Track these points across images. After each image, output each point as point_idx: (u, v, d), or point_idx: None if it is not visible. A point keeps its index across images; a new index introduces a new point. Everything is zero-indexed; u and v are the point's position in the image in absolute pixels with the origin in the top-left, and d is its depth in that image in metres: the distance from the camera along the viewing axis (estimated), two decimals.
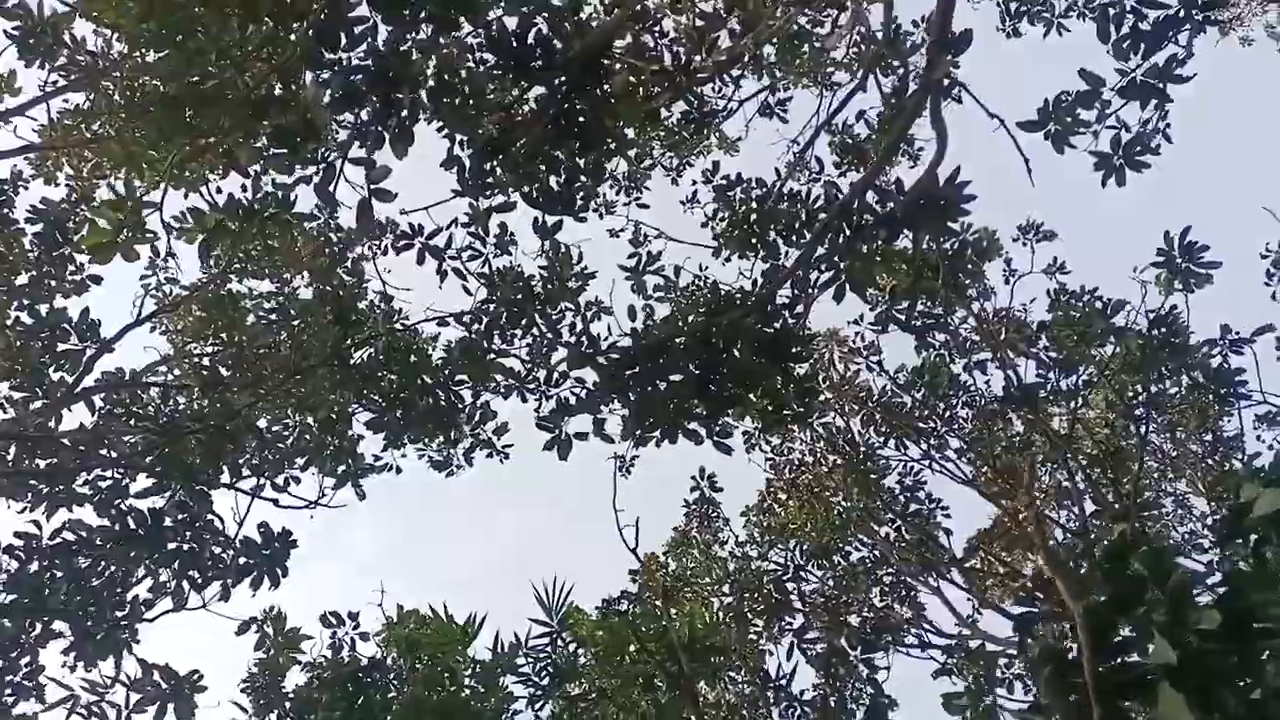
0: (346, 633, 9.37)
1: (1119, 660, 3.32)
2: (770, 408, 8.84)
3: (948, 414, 12.64)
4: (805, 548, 11.26)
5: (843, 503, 12.47)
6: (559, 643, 9.28)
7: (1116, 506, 10.88)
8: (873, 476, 12.40)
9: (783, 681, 9.59)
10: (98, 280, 10.83)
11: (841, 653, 9.93)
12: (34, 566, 9.19)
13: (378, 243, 12.14)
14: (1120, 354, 11.13)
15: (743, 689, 10.05)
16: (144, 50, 7.57)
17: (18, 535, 9.02)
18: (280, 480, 10.21)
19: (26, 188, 10.29)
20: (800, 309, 8.31)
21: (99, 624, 8.90)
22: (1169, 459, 13.16)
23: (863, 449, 12.80)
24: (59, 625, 9.12)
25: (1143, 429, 10.94)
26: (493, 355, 9.07)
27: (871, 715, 9.99)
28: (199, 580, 9.50)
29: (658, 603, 10.33)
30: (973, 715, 3.66)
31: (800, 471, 13.21)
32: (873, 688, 9.82)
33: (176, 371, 12.12)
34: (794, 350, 8.12)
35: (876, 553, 12.37)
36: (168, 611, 9.35)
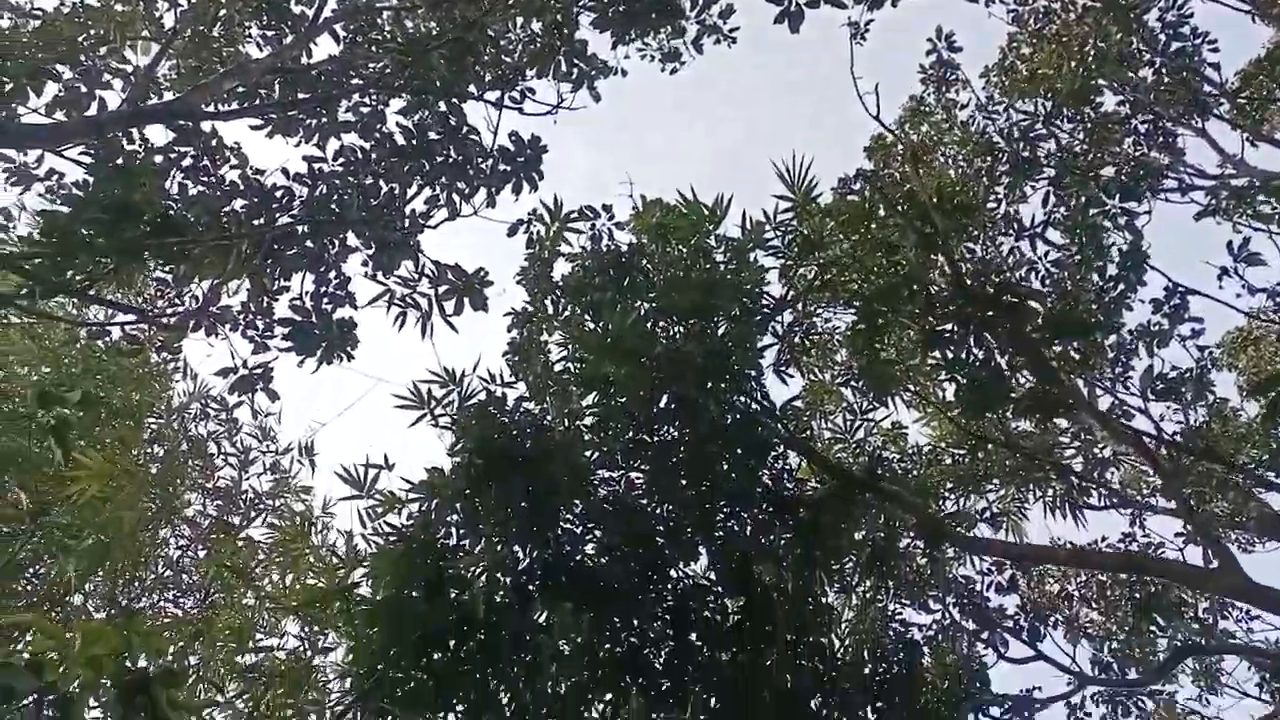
0: (603, 223, 9.97)
1: None
2: None
3: None
4: (1053, 99, 10.55)
5: (1098, 44, 11.38)
6: (805, 215, 9.47)
7: None
8: (1132, 14, 11.16)
9: (1036, 230, 9.53)
10: None
11: (1096, 201, 9.65)
12: (323, 189, 10.23)
13: None
14: None
15: (993, 247, 10.05)
16: None
17: (305, 160, 9.96)
18: (517, 93, 10.58)
19: None
20: None
21: (390, 232, 9.93)
22: None
23: None
24: (353, 241, 10.29)
25: None
26: None
27: (1127, 262, 9.90)
28: (465, 191, 10.34)
29: (903, 169, 10.25)
30: None
31: (1047, 20, 12.08)
32: (1131, 233, 9.60)
33: None
34: None
35: (1133, 98, 11.46)
36: (444, 220, 10.33)
